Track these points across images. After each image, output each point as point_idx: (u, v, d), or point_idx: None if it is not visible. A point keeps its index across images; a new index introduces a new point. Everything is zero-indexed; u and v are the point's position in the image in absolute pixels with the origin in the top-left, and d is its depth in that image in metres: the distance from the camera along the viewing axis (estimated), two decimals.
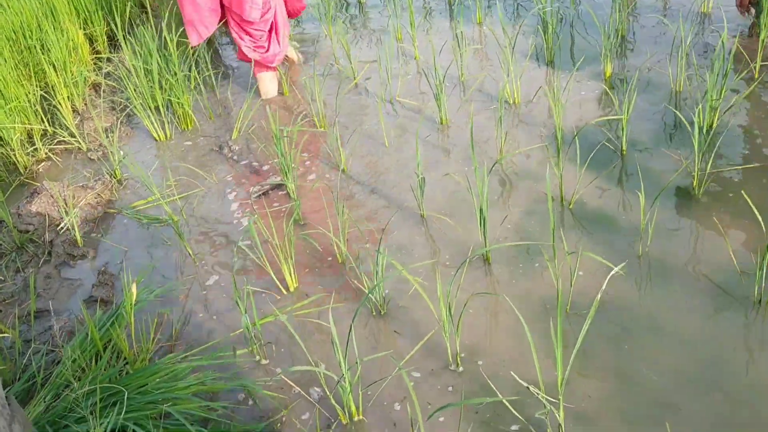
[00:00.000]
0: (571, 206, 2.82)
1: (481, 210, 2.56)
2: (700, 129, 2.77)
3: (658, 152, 3.02)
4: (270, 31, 3.93)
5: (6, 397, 1.47)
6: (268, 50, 3.93)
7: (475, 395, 2.11)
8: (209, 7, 3.82)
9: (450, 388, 2.17)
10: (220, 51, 4.99)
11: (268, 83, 4.08)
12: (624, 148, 3.06)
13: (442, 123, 3.56)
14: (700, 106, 2.86)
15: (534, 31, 4.29)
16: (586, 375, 2.12)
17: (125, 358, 2.33)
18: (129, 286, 2.40)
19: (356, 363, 2.10)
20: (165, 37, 3.97)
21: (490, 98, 3.69)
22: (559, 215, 2.80)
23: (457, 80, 3.92)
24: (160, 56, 3.92)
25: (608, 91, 3.52)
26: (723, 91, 3.04)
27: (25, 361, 2.43)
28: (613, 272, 2.04)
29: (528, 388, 1.90)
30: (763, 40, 3.35)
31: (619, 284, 2.41)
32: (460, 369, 2.21)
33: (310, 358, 2.31)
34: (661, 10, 4.31)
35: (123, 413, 1.84)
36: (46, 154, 3.85)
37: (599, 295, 1.82)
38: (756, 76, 3.41)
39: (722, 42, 3.00)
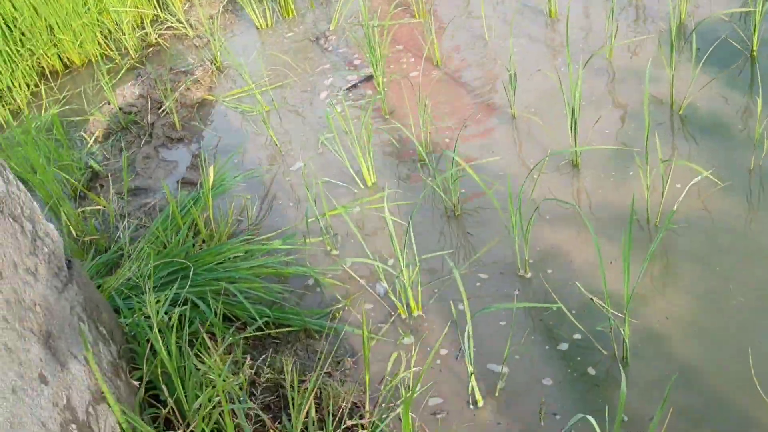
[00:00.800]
0: (681, 111, 2.53)
1: (573, 110, 2.36)
2: None
3: None
4: None
5: (69, 260, 1.57)
6: None
7: (540, 302, 2.02)
8: None
9: (517, 292, 2.08)
10: None
11: None
12: (754, 47, 2.67)
13: (551, 16, 3.28)
14: None
15: None
16: (667, 293, 1.95)
17: (203, 238, 2.42)
18: (209, 171, 2.46)
19: (415, 260, 2.05)
20: None
21: None
22: (667, 120, 2.53)
23: None
24: None
25: None
26: None
27: (118, 233, 2.59)
28: (697, 179, 1.82)
29: (592, 299, 1.78)
30: None
31: (723, 199, 2.16)
32: (529, 275, 2.11)
33: (375, 252, 2.30)
34: None
35: (187, 287, 1.92)
36: (155, 39, 3.96)
37: (676, 206, 1.63)
38: None
39: None
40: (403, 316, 2.10)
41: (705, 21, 2.81)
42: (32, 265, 1.34)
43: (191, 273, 1.99)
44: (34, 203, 1.50)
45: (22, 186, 1.46)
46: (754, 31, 2.64)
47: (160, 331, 1.72)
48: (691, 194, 2.18)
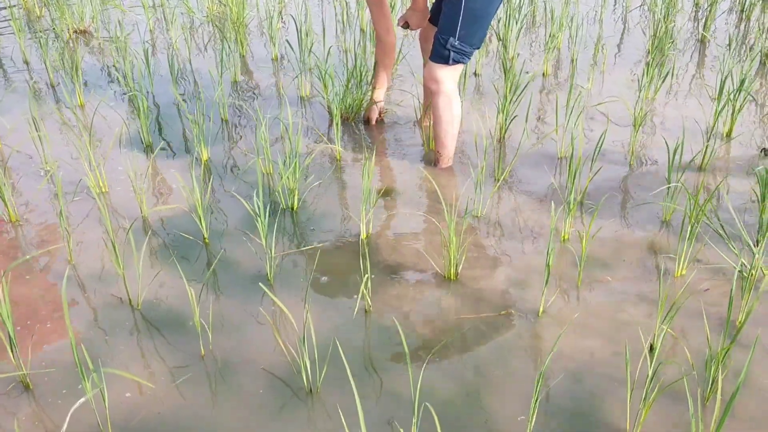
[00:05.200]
0: (139, 307, 2.54)
1: (9, 331, 2.15)
2: (284, 211, 2.73)
3: (240, 239, 2.91)
4: None
5: None
6: None
7: None
8: None
9: None
10: None
11: None
12: (206, 236, 2.90)
13: (11, 221, 3.07)
14: (279, 189, 2.83)
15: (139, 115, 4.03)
16: None
17: None
18: None
19: None
20: None
21: (79, 187, 3.30)
22: (129, 317, 2.50)
23: (40, 168, 3.48)
24: None
25: (196, 178, 3.37)
26: (297, 171, 3.04)
27: None
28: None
29: None
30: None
31: (181, 390, 2.17)
32: None
33: None
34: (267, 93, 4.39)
35: None
36: None
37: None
38: (337, 158, 3.55)
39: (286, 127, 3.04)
40: None
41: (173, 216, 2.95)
42: None
43: None
44: None
45: None
46: (201, 221, 2.87)
47: None
48: (134, 401, 2.14)
